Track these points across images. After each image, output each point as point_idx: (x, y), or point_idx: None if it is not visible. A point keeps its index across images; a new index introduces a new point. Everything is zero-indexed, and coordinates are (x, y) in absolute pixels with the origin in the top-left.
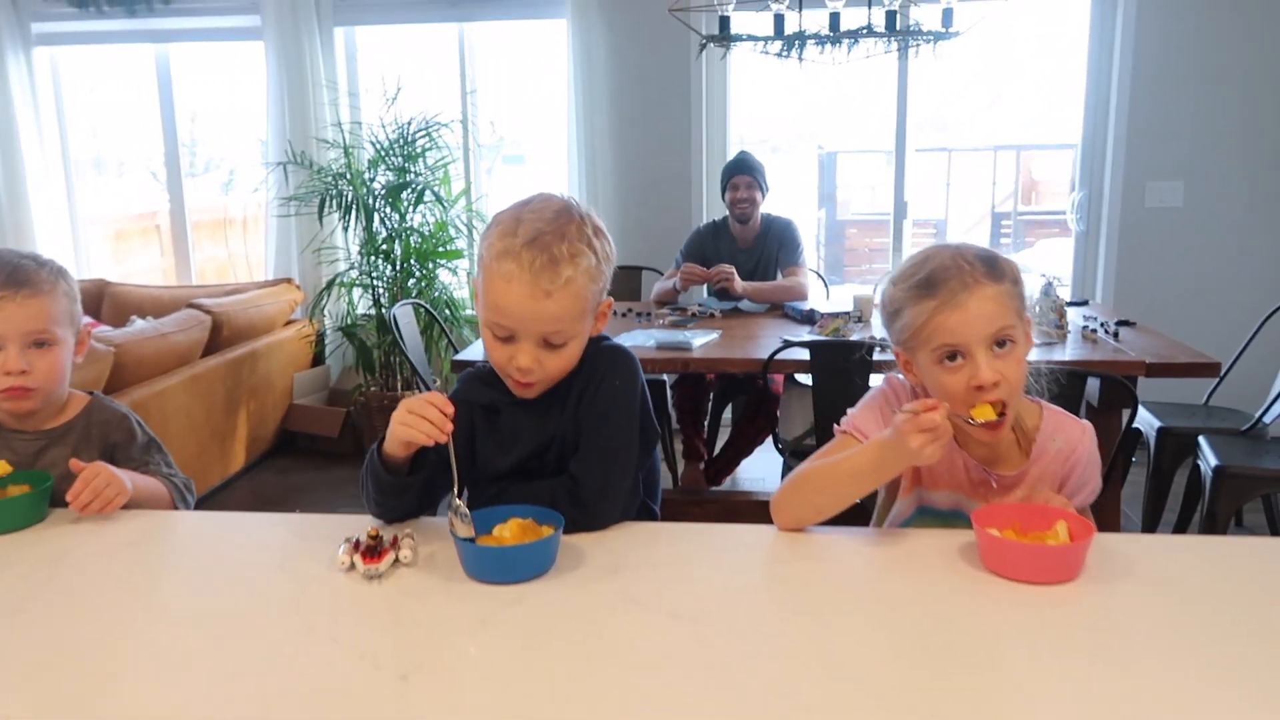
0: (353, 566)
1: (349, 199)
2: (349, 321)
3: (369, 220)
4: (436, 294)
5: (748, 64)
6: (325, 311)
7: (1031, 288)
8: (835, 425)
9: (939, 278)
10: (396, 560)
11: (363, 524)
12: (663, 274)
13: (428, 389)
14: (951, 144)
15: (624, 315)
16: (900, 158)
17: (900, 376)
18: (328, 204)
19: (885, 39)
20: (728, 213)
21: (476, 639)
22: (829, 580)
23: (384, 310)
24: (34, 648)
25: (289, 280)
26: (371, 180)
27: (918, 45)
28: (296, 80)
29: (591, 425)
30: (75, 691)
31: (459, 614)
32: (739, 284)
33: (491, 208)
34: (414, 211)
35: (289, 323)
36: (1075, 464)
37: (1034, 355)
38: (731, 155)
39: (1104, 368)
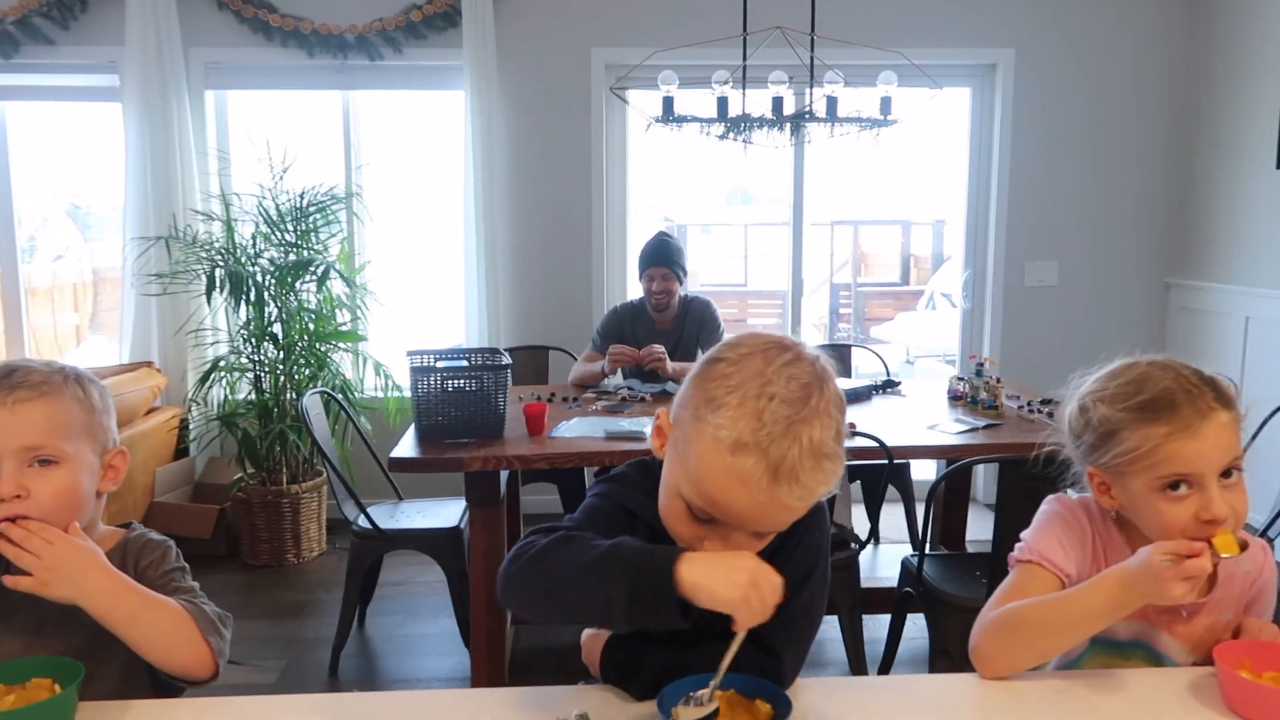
0: None
1: (234, 277)
2: (227, 410)
3: (259, 300)
4: (328, 379)
5: (645, 140)
6: (200, 399)
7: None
8: (1010, 555)
9: (1169, 400)
10: None
11: (505, 704)
12: (574, 355)
13: (345, 486)
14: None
15: (548, 400)
16: (798, 232)
17: (1071, 494)
18: (213, 285)
19: (828, 124)
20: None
21: None
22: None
23: (265, 397)
24: None
25: (149, 364)
26: (257, 256)
27: (858, 130)
28: (162, 146)
29: (790, 586)
30: None
31: None
32: (669, 365)
33: (385, 288)
34: (318, 291)
35: (150, 411)
36: (1263, 587)
37: (979, 439)
38: (634, 229)
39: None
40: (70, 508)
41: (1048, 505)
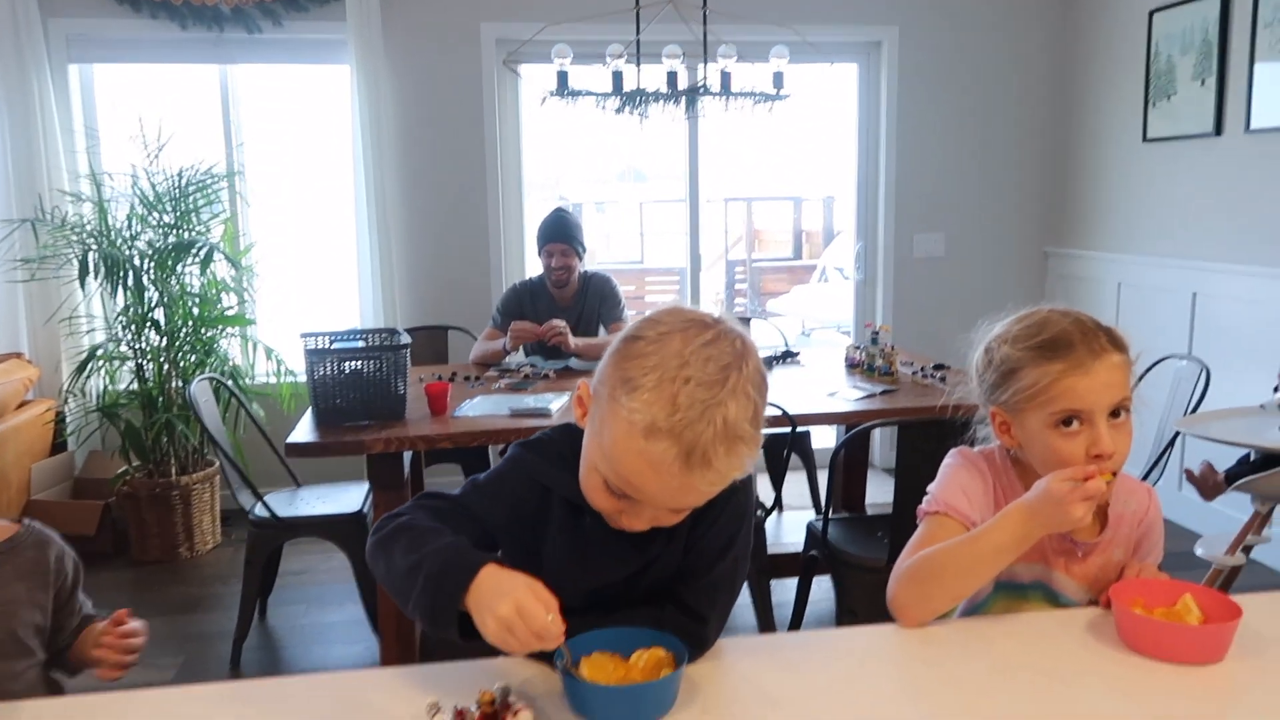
0: None
1: (110, 261)
2: (107, 400)
3: (138, 285)
4: (216, 365)
5: (539, 117)
6: (77, 390)
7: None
8: (919, 509)
9: (1066, 340)
10: None
11: (429, 679)
12: (474, 335)
13: (240, 474)
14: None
15: (450, 379)
16: (694, 208)
17: (971, 448)
18: (86, 269)
19: (722, 98)
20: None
21: None
22: (975, 676)
23: (149, 385)
24: None
25: (18, 355)
26: (134, 239)
27: (752, 104)
28: (21, 123)
29: (714, 552)
30: None
31: None
32: (572, 341)
33: (273, 270)
34: (202, 274)
35: (22, 405)
36: (1148, 527)
37: (877, 404)
38: (530, 206)
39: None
40: None
41: (950, 459)
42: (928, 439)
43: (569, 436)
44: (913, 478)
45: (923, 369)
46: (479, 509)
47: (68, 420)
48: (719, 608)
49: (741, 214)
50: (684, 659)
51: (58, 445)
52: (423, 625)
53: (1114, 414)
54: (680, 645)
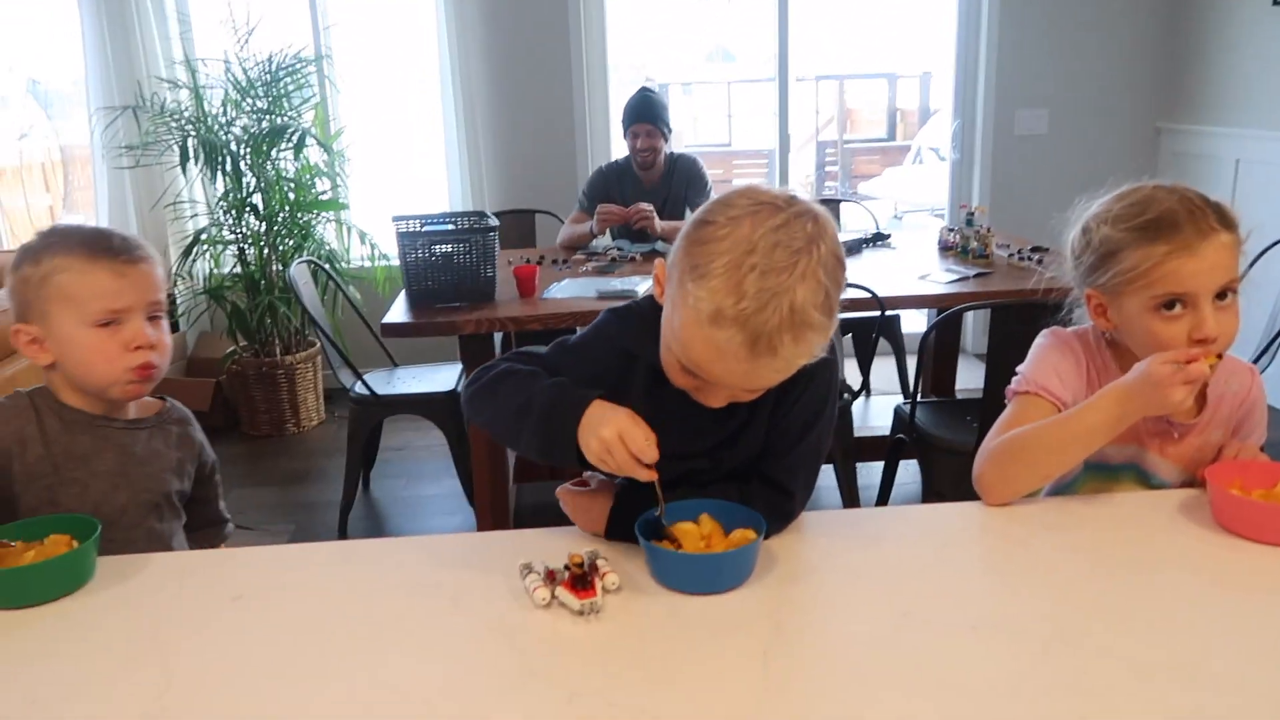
0: (552, 601)
1: (208, 147)
2: (213, 283)
3: (235, 170)
4: (313, 249)
5: None
6: (185, 273)
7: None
8: (1008, 388)
9: (1171, 220)
10: (604, 589)
11: (515, 546)
12: (561, 218)
13: (340, 354)
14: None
15: (538, 262)
16: (783, 88)
17: (1064, 328)
18: (186, 154)
19: None
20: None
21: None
22: (1061, 556)
23: (251, 269)
24: None
25: None
26: (229, 124)
27: None
28: (118, 10)
29: (798, 429)
30: None
31: (704, 641)
32: (658, 224)
33: (361, 154)
34: (295, 158)
35: None
36: (1250, 408)
37: (970, 287)
38: (615, 88)
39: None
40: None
41: (1043, 338)
42: (1021, 322)
43: (657, 307)
44: (1005, 362)
45: (1019, 251)
46: (564, 370)
47: (178, 302)
48: (803, 483)
49: (833, 93)
50: (763, 530)
51: (171, 326)
52: (535, 457)
53: (1220, 296)
54: (759, 518)
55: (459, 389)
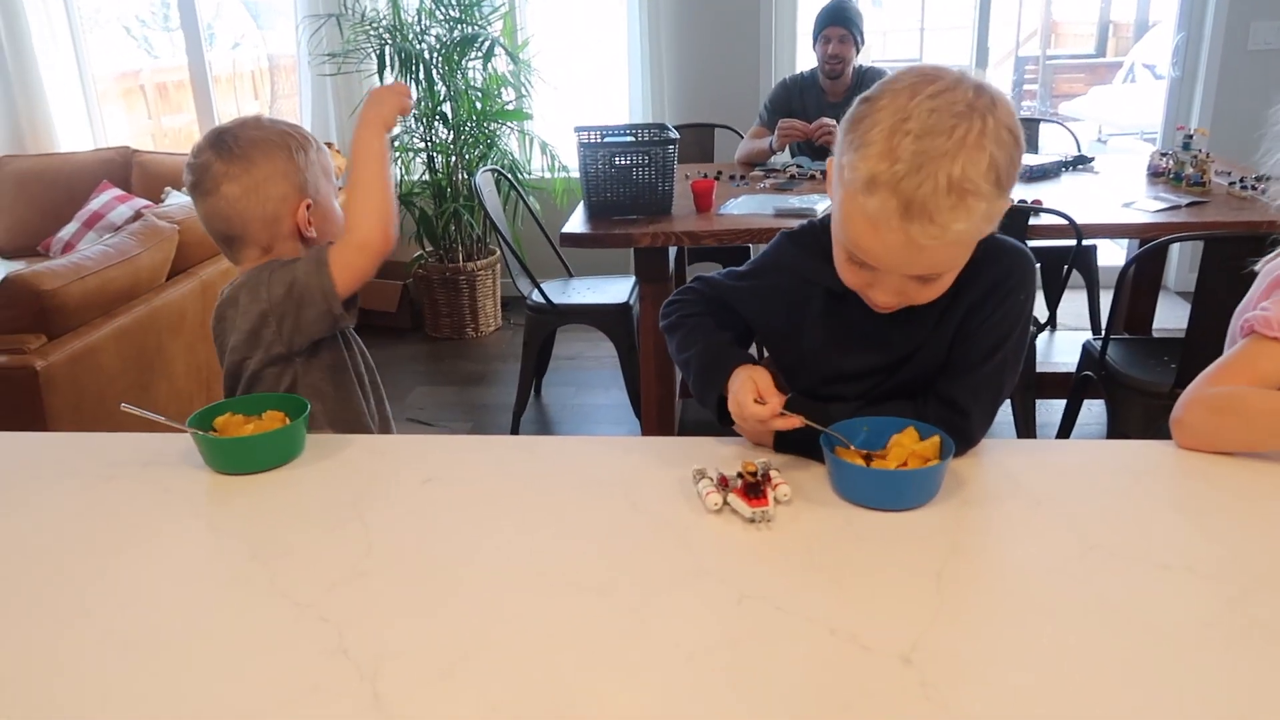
0: (724, 507)
1: (403, 55)
2: (404, 189)
3: (428, 78)
4: (496, 159)
5: None
6: None
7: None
8: (1245, 321)
9: None
10: (776, 500)
11: (688, 452)
12: (741, 134)
13: (519, 261)
14: None
15: (716, 178)
16: None
17: None
18: (384, 62)
19: None
20: (817, 65)
21: (920, 584)
22: (1263, 500)
23: (438, 176)
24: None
25: (329, 144)
26: (423, 33)
27: None
28: None
29: (983, 350)
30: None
31: (877, 556)
32: None
33: (546, 65)
34: (484, 68)
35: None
36: None
37: (1181, 217)
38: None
39: None
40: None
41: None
42: (1239, 257)
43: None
44: (1214, 300)
45: (1242, 180)
46: (737, 301)
47: None
48: (982, 405)
49: (1038, 3)
50: (950, 451)
51: None
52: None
53: None
54: (950, 440)
55: (631, 301)
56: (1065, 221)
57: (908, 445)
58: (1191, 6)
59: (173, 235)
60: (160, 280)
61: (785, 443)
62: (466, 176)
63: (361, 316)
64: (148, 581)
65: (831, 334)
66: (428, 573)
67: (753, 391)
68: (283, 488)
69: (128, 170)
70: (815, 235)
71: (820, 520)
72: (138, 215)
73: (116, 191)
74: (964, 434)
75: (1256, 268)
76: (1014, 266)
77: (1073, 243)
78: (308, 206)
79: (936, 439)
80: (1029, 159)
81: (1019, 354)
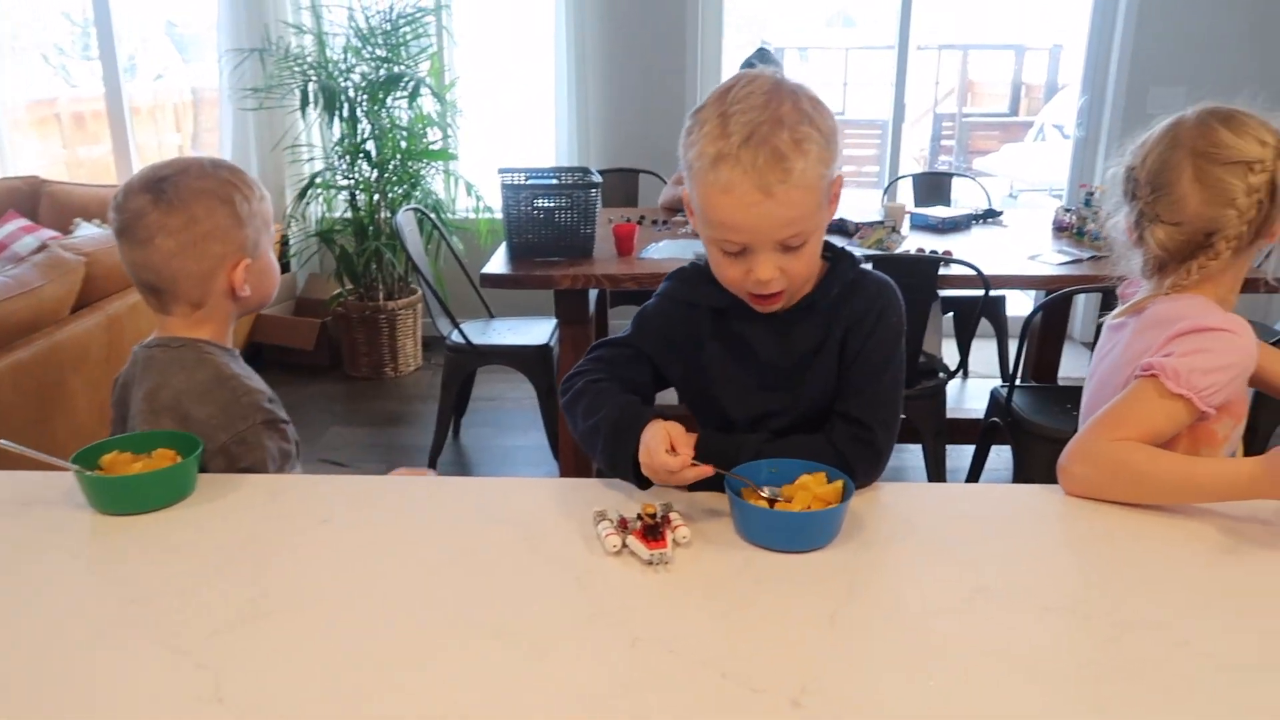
0: (623, 549)
1: (327, 92)
2: (324, 226)
3: (352, 116)
4: (420, 198)
5: None
6: (299, 215)
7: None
8: (1149, 365)
9: None
10: (675, 542)
11: (593, 494)
12: (664, 179)
13: (439, 301)
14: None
15: (638, 223)
16: (903, 55)
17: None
18: (307, 99)
19: None
20: None
21: (814, 624)
22: (1145, 542)
23: (361, 214)
24: (266, 650)
25: None
26: (349, 71)
27: None
28: None
29: (876, 364)
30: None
31: (772, 598)
32: None
33: (472, 106)
34: (409, 107)
35: None
36: None
37: (1084, 270)
38: (730, 51)
39: None
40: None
41: (1220, 330)
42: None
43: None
44: None
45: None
46: (642, 343)
47: (291, 243)
48: (884, 420)
49: (955, 64)
50: (851, 494)
51: (283, 266)
52: (611, 475)
53: None
54: (850, 481)
55: (551, 343)
56: (974, 272)
57: (812, 488)
58: (1095, 71)
59: (79, 267)
60: (64, 314)
61: (698, 483)
62: (389, 215)
63: (277, 354)
64: (18, 626)
65: (725, 349)
66: (318, 618)
67: (665, 442)
68: (170, 528)
69: (36, 200)
70: (697, 269)
71: (719, 562)
72: (43, 246)
73: (23, 222)
74: (873, 447)
75: (1109, 320)
76: (879, 292)
77: (982, 293)
78: (245, 265)
79: (840, 484)
80: (942, 211)
81: (903, 376)
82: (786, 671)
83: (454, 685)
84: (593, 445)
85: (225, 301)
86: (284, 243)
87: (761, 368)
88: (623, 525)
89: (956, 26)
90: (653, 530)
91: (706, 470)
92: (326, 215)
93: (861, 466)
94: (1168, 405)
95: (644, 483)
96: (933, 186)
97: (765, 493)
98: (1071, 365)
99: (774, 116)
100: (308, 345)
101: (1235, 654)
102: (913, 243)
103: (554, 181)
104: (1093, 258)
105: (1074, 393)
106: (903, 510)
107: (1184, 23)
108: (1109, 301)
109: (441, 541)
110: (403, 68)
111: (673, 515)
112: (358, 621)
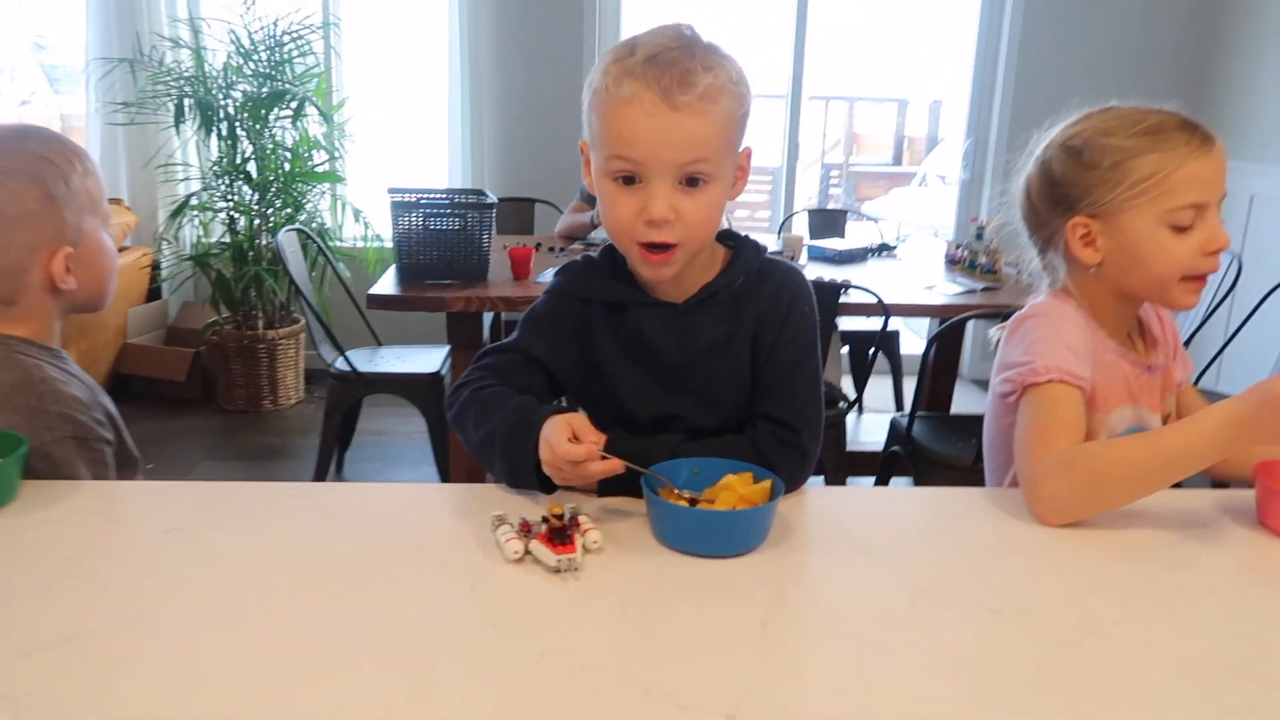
0: (525, 556)
1: (204, 107)
2: (199, 250)
3: (231, 134)
4: (305, 223)
5: None
6: (171, 238)
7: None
8: (1013, 378)
9: (1177, 125)
10: (584, 547)
11: (492, 498)
12: (560, 209)
13: (323, 327)
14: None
15: (535, 249)
16: (796, 105)
17: (1045, 298)
18: (181, 114)
19: None
20: None
21: (741, 634)
22: (1089, 541)
23: (240, 238)
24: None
25: (117, 201)
26: (229, 87)
27: None
28: None
29: (792, 359)
30: None
31: (693, 606)
32: None
33: (362, 129)
34: (293, 126)
35: (120, 250)
36: (1175, 333)
37: (978, 299)
38: None
39: None
40: None
41: (1039, 311)
42: None
43: (603, 253)
44: None
45: (1029, 271)
46: (532, 346)
47: (163, 268)
48: (808, 418)
49: (842, 115)
50: (780, 493)
51: (153, 292)
52: (512, 486)
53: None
54: (780, 480)
55: (443, 371)
56: (874, 300)
57: (737, 488)
58: (978, 116)
59: None
60: None
61: (609, 485)
62: (271, 239)
63: (146, 385)
64: None
65: (621, 343)
66: (155, 639)
67: (566, 432)
68: None
69: None
70: (590, 261)
71: (635, 568)
72: None
73: None
74: (798, 449)
75: (992, 333)
76: (789, 280)
77: (876, 327)
78: (66, 255)
79: (768, 483)
80: (838, 244)
81: (821, 370)
82: (717, 685)
83: (330, 715)
84: (488, 456)
85: (45, 297)
86: (155, 267)
87: (662, 366)
88: (525, 529)
89: (843, 79)
90: (559, 534)
91: (617, 464)
92: (202, 239)
93: (787, 470)
94: (1057, 393)
95: (549, 486)
96: (827, 222)
97: (686, 493)
98: (962, 403)
99: (685, 46)
100: (179, 376)
101: (1201, 654)
102: (810, 273)
103: (446, 201)
104: (986, 289)
105: (971, 421)
106: (831, 513)
107: (1060, 70)
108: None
109: (314, 552)
110: (287, 85)
111: (582, 518)
112: (207, 644)
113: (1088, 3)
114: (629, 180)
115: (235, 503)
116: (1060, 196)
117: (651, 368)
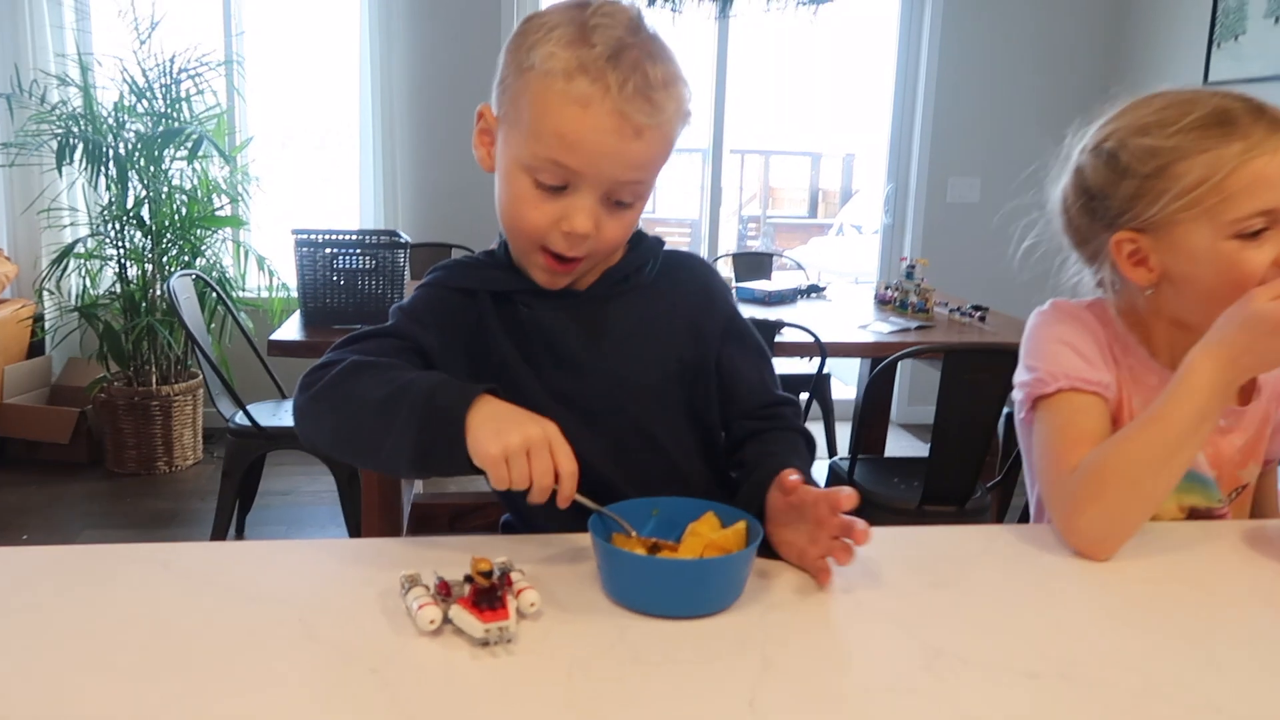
0: (444, 625)
1: (95, 149)
2: (86, 301)
3: (122, 177)
4: (203, 268)
5: None
6: (54, 288)
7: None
8: (1025, 395)
9: (1234, 115)
10: (519, 611)
11: (402, 554)
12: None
13: (221, 378)
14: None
15: None
16: (717, 156)
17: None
18: (65, 154)
19: None
20: None
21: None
22: (1140, 585)
23: (131, 287)
24: None
25: None
26: (120, 128)
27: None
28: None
29: (742, 333)
30: None
31: (659, 685)
32: None
33: (267, 171)
34: (188, 167)
35: None
36: None
37: (913, 338)
38: None
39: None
40: None
41: (1041, 316)
42: (976, 369)
43: (484, 252)
44: (957, 410)
45: (959, 308)
46: (416, 336)
47: (45, 321)
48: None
49: (758, 168)
50: (759, 537)
51: (35, 347)
52: (406, 468)
53: None
54: (756, 523)
55: None
56: (810, 339)
57: (705, 534)
58: (898, 162)
59: None
60: None
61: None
62: (165, 289)
63: (25, 450)
64: None
65: (519, 338)
66: None
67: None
68: None
69: None
70: (469, 256)
71: (584, 635)
72: None
73: None
74: (794, 425)
75: None
76: (700, 263)
77: (808, 370)
78: None
79: (742, 525)
80: (766, 285)
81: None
82: None
83: None
84: (382, 424)
85: None
86: (37, 320)
87: (578, 365)
88: (444, 591)
89: (758, 134)
90: (487, 596)
91: (585, 501)
92: (89, 290)
93: (812, 442)
94: (1075, 405)
95: (472, 467)
96: (753, 265)
97: (647, 540)
98: (894, 446)
99: (644, 45)
100: (62, 438)
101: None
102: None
103: (357, 241)
104: (920, 327)
105: (910, 464)
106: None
107: (976, 118)
108: (953, 361)
109: (168, 630)
110: (183, 123)
111: (514, 575)
112: None
113: (1001, 52)
114: (556, 187)
115: (69, 570)
116: (1098, 209)
117: (566, 367)
